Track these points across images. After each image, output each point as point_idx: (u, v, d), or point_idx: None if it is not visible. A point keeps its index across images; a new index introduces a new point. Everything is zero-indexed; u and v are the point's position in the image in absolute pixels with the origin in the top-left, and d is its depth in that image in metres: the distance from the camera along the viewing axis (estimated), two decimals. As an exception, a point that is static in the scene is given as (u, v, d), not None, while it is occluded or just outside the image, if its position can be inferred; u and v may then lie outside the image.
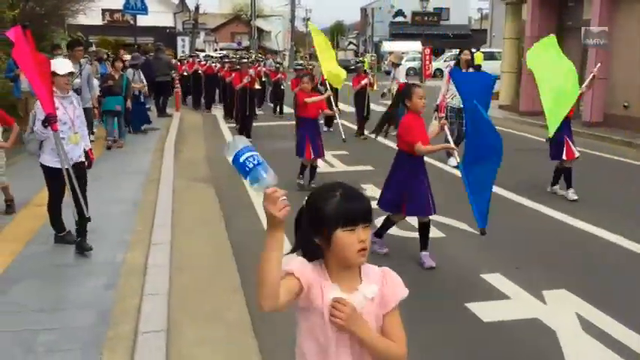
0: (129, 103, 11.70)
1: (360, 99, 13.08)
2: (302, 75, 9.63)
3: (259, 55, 24.61)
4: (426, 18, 36.97)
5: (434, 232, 6.17)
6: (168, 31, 28.69)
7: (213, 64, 18.26)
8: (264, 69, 18.77)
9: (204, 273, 5.15)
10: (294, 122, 10.56)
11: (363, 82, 13.07)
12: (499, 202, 7.43)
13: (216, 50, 53.70)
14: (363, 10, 63.10)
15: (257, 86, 12.70)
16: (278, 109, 17.22)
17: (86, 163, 5.49)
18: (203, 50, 47.10)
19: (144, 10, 14.71)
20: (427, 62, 34.32)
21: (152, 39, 25.04)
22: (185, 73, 20.02)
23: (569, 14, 16.00)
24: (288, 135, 12.74)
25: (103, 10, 24.43)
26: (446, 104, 9.61)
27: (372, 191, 7.99)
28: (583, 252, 5.75)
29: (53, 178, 5.25)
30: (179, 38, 30.81)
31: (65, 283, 4.54)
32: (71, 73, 5.24)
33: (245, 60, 13.87)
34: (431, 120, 9.15)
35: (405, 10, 51.77)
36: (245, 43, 53.20)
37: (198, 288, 4.81)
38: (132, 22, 17.61)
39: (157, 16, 22.48)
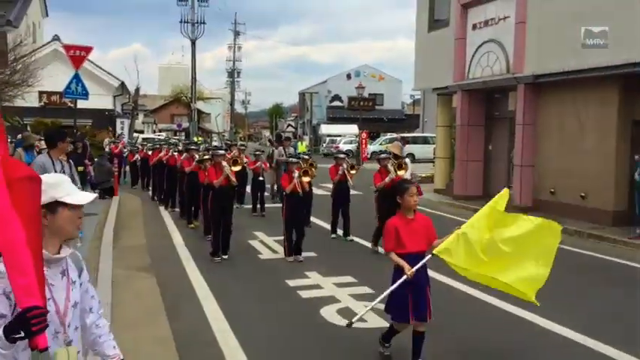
0: None
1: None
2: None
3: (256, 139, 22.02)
4: (361, 103, 38.42)
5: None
6: (107, 113, 28.62)
7: (176, 154, 14.36)
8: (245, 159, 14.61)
9: (147, 372, 4.99)
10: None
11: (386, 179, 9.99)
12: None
13: (154, 132, 53.87)
14: (302, 95, 65.15)
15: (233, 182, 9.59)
16: (259, 207, 14.24)
17: None
18: (142, 131, 47.15)
19: (85, 95, 14.58)
20: (364, 145, 35.62)
21: (91, 121, 24.85)
22: (137, 162, 19.86)
23: (496, 105, 17.06)
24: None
25: (40, 92, 24.14)
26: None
27: (315, 279, 8.05)
28: None
29: None
30: (118, 120, 30.77)
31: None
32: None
33: (221, 152, 10.32)
34: None
35: (342, 95, 53.80)
36: (185, 124, 53.51)
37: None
38: (71, 105, 17.51)
39: (96, 98, 22.39)
